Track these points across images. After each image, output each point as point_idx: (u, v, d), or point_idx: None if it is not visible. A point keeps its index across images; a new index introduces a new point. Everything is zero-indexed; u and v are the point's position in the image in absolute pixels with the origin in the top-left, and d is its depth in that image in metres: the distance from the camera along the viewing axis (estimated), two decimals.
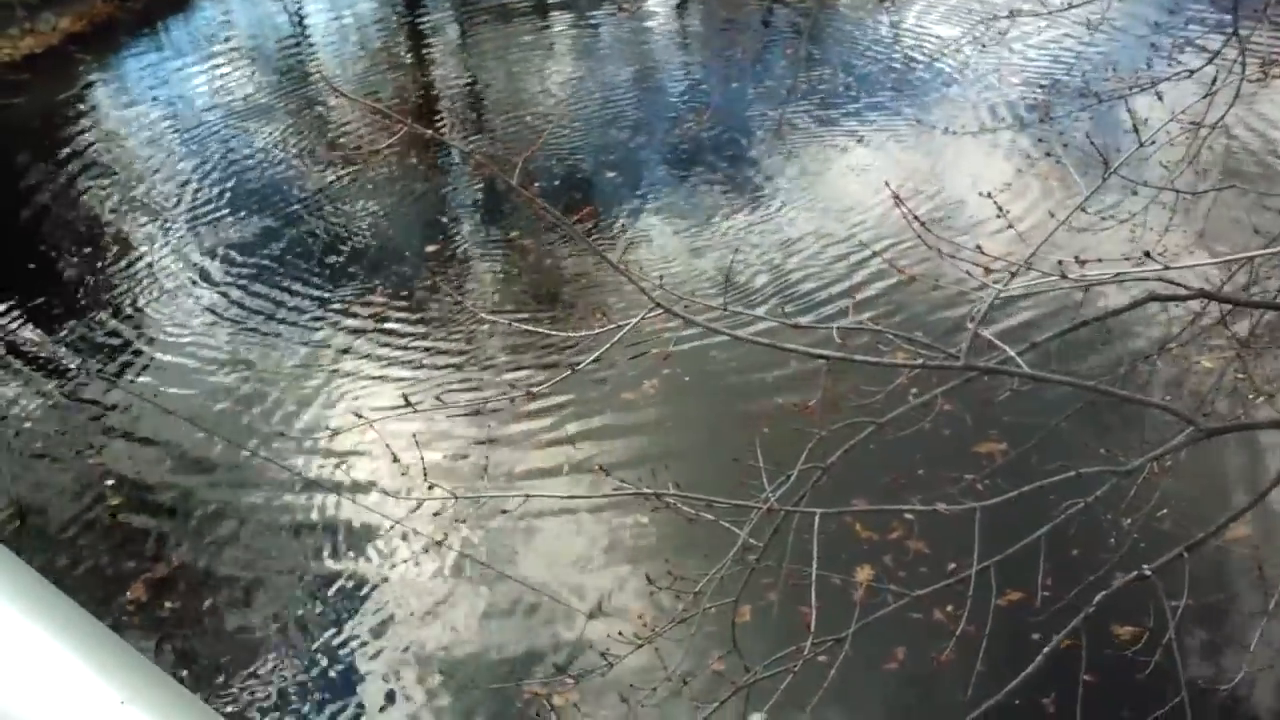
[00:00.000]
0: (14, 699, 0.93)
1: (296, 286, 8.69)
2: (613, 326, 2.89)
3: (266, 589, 6.00)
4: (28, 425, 7.50)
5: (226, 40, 14.70)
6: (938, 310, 7.15)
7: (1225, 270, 4.63)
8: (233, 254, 9.28)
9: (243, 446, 6.94)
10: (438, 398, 6.89)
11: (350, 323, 8.14)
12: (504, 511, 5.92)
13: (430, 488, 3.71)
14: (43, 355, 8.26)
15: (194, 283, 8.90)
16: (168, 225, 9.89)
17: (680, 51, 13.28)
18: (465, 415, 6.68)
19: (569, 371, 3.12)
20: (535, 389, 3.21)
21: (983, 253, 2.89)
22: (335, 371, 7.59)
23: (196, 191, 10.42)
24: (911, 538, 5.54)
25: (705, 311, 4.46)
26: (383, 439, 3.64)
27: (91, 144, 11.81)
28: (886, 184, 4.50)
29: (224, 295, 8.67)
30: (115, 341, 8.28)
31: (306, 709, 5.33)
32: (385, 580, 5.92)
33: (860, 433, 3.06)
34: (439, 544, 6.03)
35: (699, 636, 3.40)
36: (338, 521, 6.33)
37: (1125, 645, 4.23)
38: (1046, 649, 2.82)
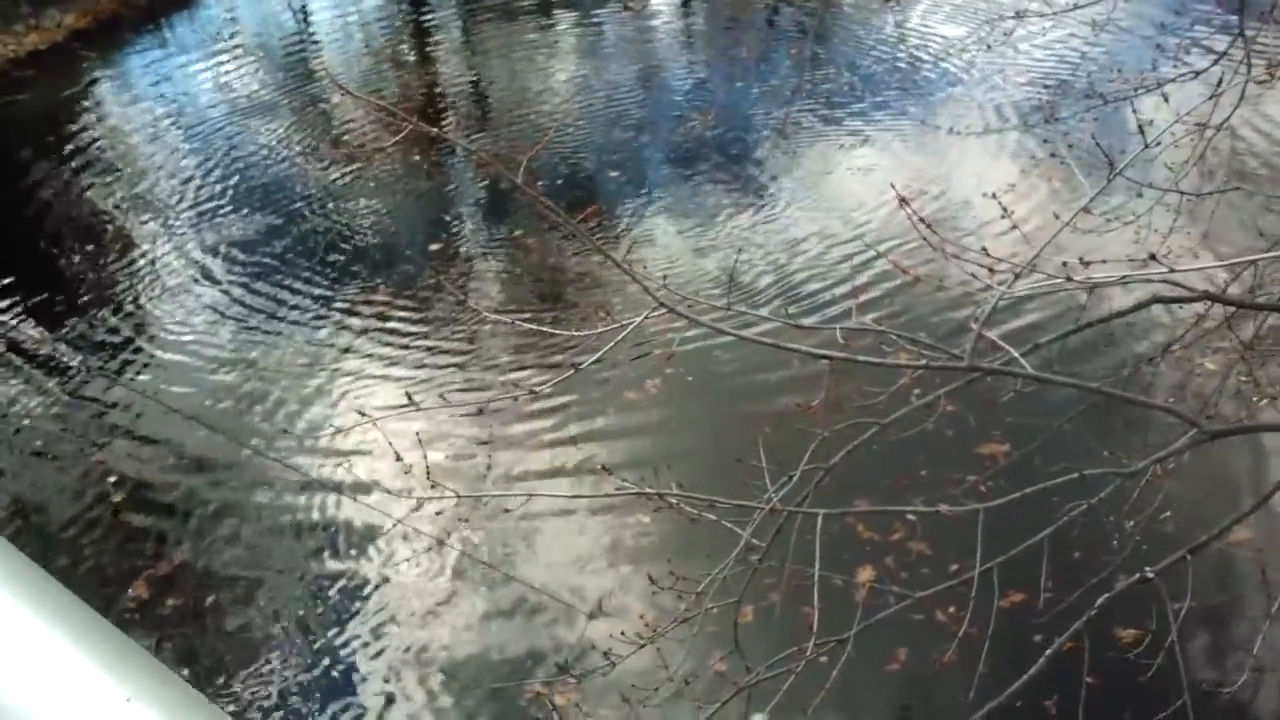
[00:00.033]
0: (19, 695, 0.93)
1: (299, 285, 8.69)
2: (616, 326, 2.89)
3: (268, 588, 6.00)
4: (27, 423, 7.50)
5: (231, 37, 14.71)
6: (942, 312, 7.14)
7: (1230, 272, 4.62)
8: (235, 252, 9.28)
9: (245, 445, 6.95)
10: (441, 396, 6.90)
11: (353, 321, 8.14)
12: (506, 511, 5.92)
13: (432, 486, 3.71)
14: (44, 353, 8.27)
15: (196, 280, 8.91)
16: (171, 222, 9.90)
17: (685, 50, 13.27)
18: (468, 415, 6.68)
19: (572, 370, 3.12)
20: (539, 388, 3.21)
21: (987, 254, 2.89)
22: (338, 370, 7.59)
23: (200, 189, 10.43)
24: (914, 539, 5.53)
25: (709, 311, 4.46)
26: (385, 438, 3.64)
27: (95, 141, 11.82)
28: (892, 186, 4.50)
29: (226, 293, 8.68)
30: (117, 339, 8.28)
31: (308, 708, 5.34)
32: (387, 580, 5.92)
33: (863, 433, 3.06)
34: (441, 543, 6.03)
35: (701, 637, 3.39)
36: (340, 520, 6.34)
37: (1128, 648, 4.23)
38: (1049, 651, 2.82)
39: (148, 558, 6.26)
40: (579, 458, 6.51)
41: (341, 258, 9.02)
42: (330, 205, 9.86)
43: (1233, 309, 4.45)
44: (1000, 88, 10.43)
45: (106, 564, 6.29)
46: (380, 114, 10.83)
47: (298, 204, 9.94)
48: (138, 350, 8.12)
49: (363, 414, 6.41)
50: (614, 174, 9.90)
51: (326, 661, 5.53)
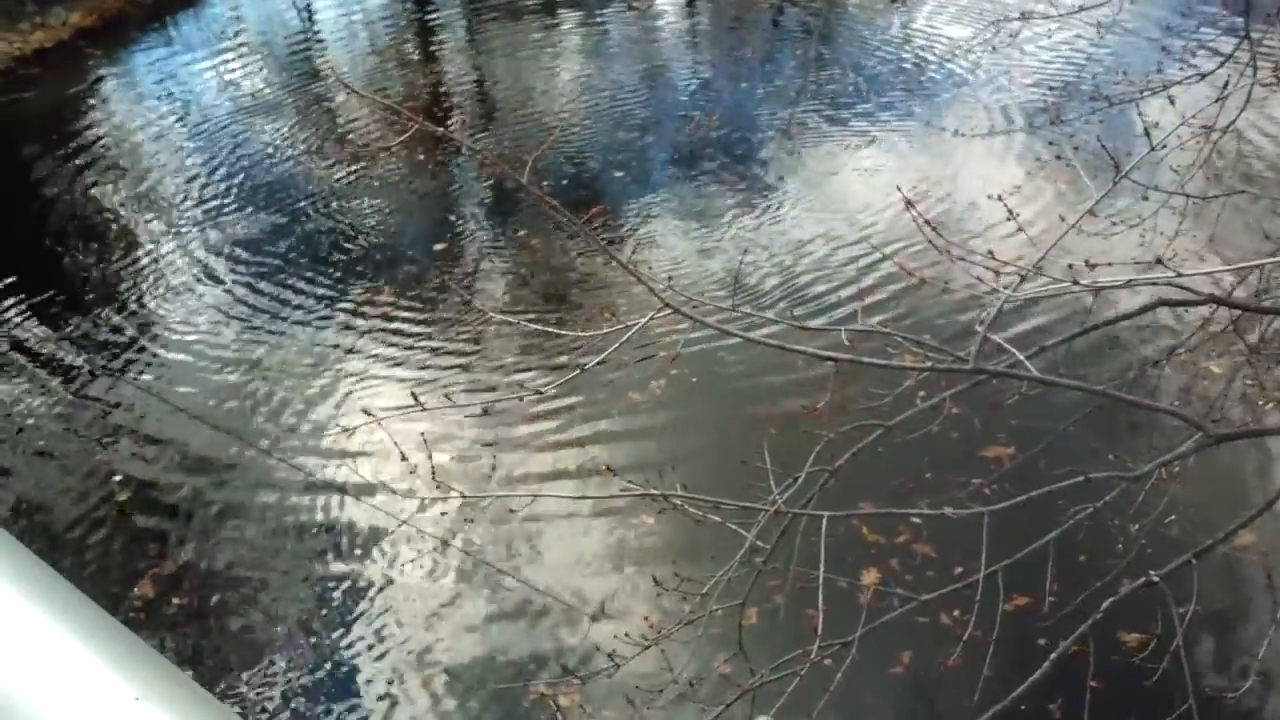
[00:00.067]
0: (30, 693, 0.93)
1: (303, 284, 8.69)
2: (621, 327, 2.89)
3: (273, 588, 6.01)
4: (31, 422, 7.51)
5: (236, 36, 14.73)
6: (948, 314, 7.13)
7: (1236, 276, 4.61)
8: (240, 251, 9.29)
9: (251, 445, 6.96)
10: (446, 396, 6.90)
11: (357, 321, 8.14)
12: (511, 511, 5.92)
13: (438, 487, 3.71)
14: (49, 352, 8.28)
15: (200, 280, 8.91)
16: (175, 221, 9.91)
17: (689, 51, 13.27)
18: (473, 416, 6.67)
19: (578, 371, 3.12)
20: (544, 388, 3.21)
21: (993, 257, 2.89)
22: (342, 371, 7.59)
23: (204, 187, 10.44)
24: (919, 541, 5.53)
25: (714, 313, 4.45)
26: (391, 438, 3.64)
27: (100, 139, 11.83)
28: (899, 189, 4.50)
29: (230, 293, 8.68)
30: (121, 338, 8.29)
31: (312, 709, 5.34)
32: (391, 581, 5.92)
33: (868, 435, 3.06)
34: (445, 544, 6.03)
35: (705, 639, 3.39)
36: (345, 521, 6.34)
37: (1133, 652, 4.23)
38: (1054, 654, 2.81)
39: (153, 557, 6.27)
40: (584, 459, 6.51)
41: (346, 257, 9.03)
42: (334, 204, 9.87)
43: (1238, 312, 4.44)
44: (1006, 89, 10.42)
45: (111, 564, 6.29)
46: (385, 113, 10.85)
47: (302, 203, 9.94)
48: (142, 349, 8.12)
49: (368, 413, 6.40)
50: (619, 174, 9.90)
51: (330, 662, 5.53)
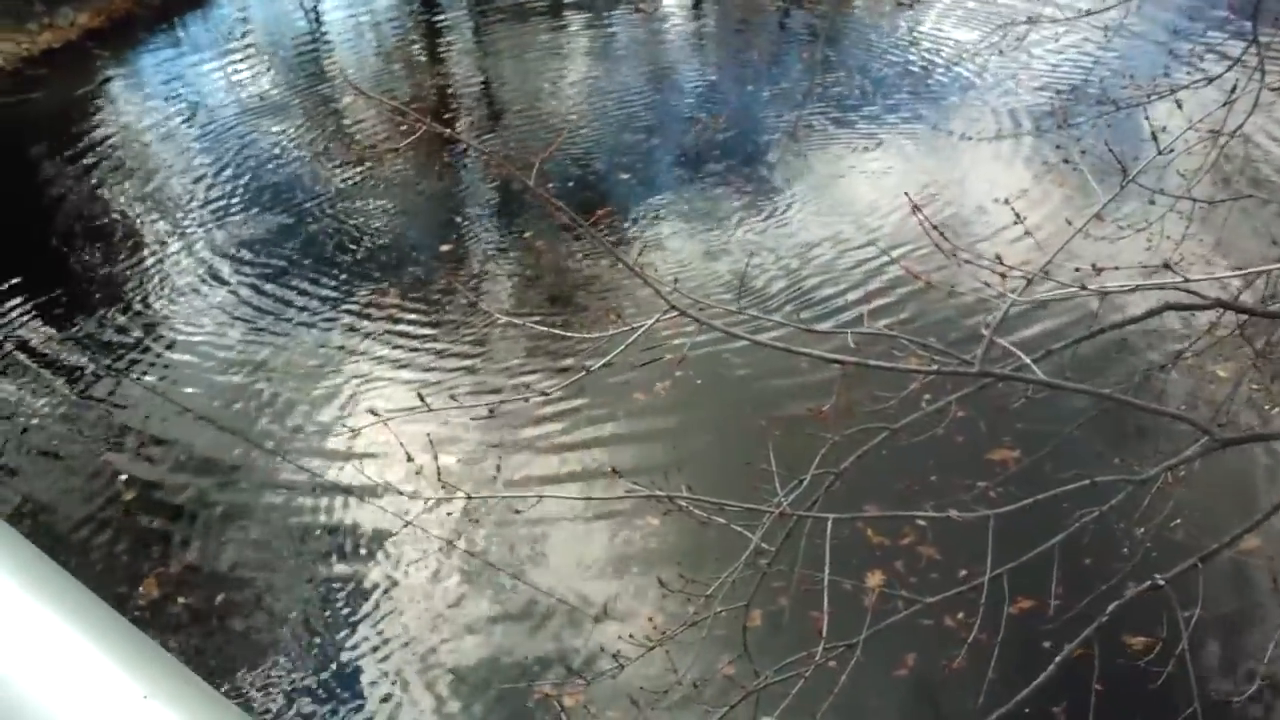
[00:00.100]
0: (39, 691, 0.94)
1: (309, 285, 8.71)
2: (627, 329, 2.89)
3: (278, 588, 6.02)
4: (36, 423, 7.52)
5: (243, 37, 14.77)
6: (955, 318, 7.13)
7: (1244, 280, 4.61)
8: (246, 252, 9.31)
9: (256, 445, 6.97)
10: (451, 396, 6.90)
11: (363, 323, 8.16)
12: (516, 513, 5.92)
13: (443, 487, 3.72)
14: (54, 352, 8.30)
15: (206, 280, 8.93)
16: (181, 222, 9.93)
17: (696, 53, 13.28)
18: (478, 418, 6.68)
19: (584, 372, 3.13)
20: (550, 389, 3.22)
21: (1000, 261, 2.89)
22: (348, 372, 7.60)
23: (211, 188, 10.47)
24: (924, 544, 5.53)
25: (720, 315, 4.46)
26: (397, 438, 3.65)
27: (107, 139, 11.87)
28: (906, 194, 4.49)
29: (235, 294, 8.70)
30: (127, 338, 8.31)
31: (317, 710, 5.34)
32: (396, 582, 5.93)
33: (874, 438, 3.05)
34: (450, 544, 6.04)
35: (709, 641, 3.39)
36: (350, 522, 6.35)
37: (1138, 655, 4.21)
38: (1059, 658, 2.81)
39: (157, 558, 6.28)
40: (589, 461, 6.52)
41: (351, 258, 9.04)
42: (341, 205, 9.89)
43: (1245, 317, 4.44)
44: (1013, 93, 10.41)
45: (116, 564, 6.30)
46: (392, 114, 10.87)
47: (308, 204, 9.97)
48: (147, 350, 8.14)
49: (374, 413, 6.41)
50: (625, 176, 9.91)
51: (335, 663, 5.54)
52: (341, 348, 7.87)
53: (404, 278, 8.70)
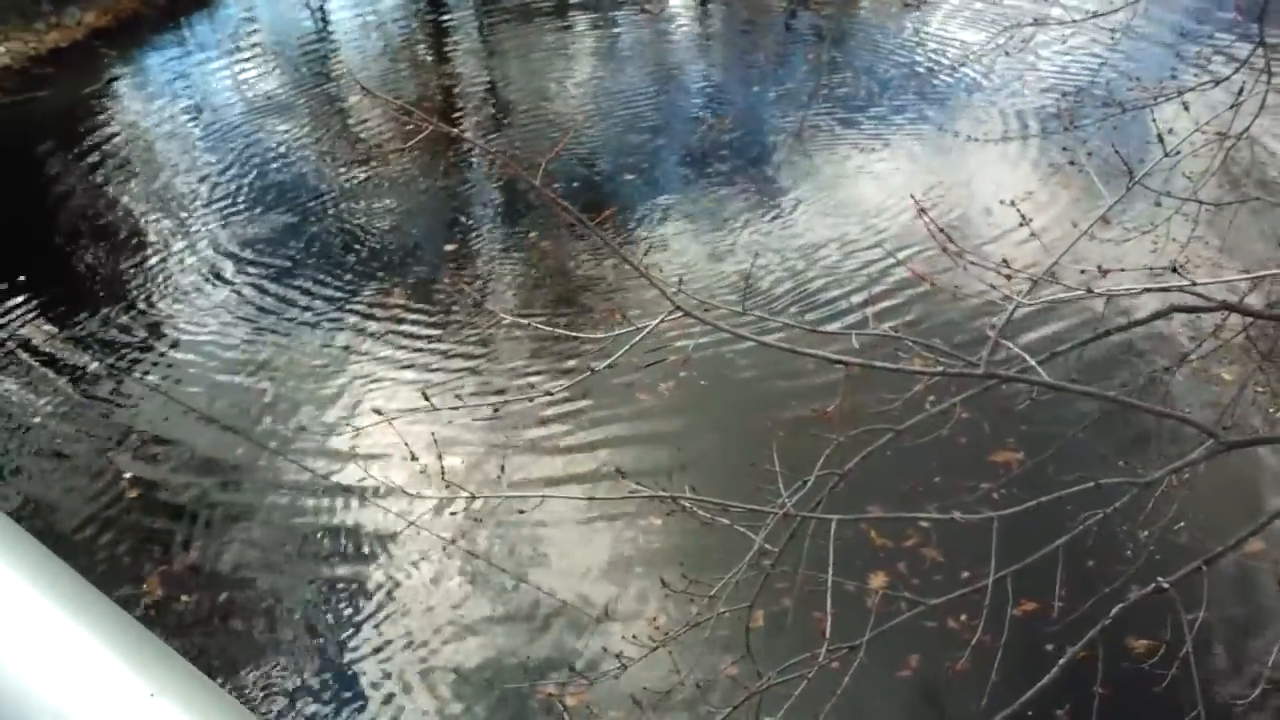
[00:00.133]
0: (46, 689, 0.94)
1: (313, 285, 8.71)
2: (632, 329, 2.90)
3: (280, 589, 6.02)
4: (39, 421, 7.53)
5: (249, 37, 14.79)
6: (960, 320, 7.12)
7: (1250, 283, 4.60)
8: (251, 251, 9.31)
9: (260, 445, 6.98)
10: (457, 396, 6.91)
11: (367, 323, 8.16)
12: (520, 512, 5.93)
13: (447, 487, 3.72)
14: (58, 350, 8.31)
15: (210, 280, 8.94)
16: (186, 221, 9.94)
17: (701, 54, 13.28)
18: (482, 419, 6.68)
19: (589, 372, 3.13)
20: (555, 389, 3.22)
21: (1006, 264, 2.89)
22: (352, 372, 7.61)
23: (216, 187, 10.48)
24: (927, 545, 5.52)
25: (725, 316, 4.46)
26: (401, 438, 3.66)
27: (113, 138, 11.89)
28: (912, 197, 4.49)
29: (240, 293, 8.70)
30: (131, 338, 8.31)
31: (319, 710, 5.35)
32: (399, 583, 5.93)
33: (878, 439, 3.06)
34: (453, 543, 6.04)
35: (713, 642, 3.40)
36: (353, 522, 6.35)
37: (1141, 658, 4.21)
38: (1062, 660, 2.81)
39: (160, 558, 6.29)
40: (592, 462, 6.51)
41: (356, 258, 9.05)
42: (346, 205, 9.89)
43: (1251, 319, 4.43)
44: (1019, 94, 10.40)
45: (119, 563, 6.31)
46: (397, 114, 10.87)
47: (313, 203, 9.97)
48: (150, 349, 8.14)
49: (379, 412, 6.42)
50: (630, 177, 9.91)
51: (337, 663, 5.54)
52: (345, 348, 7.88)
53: (408, 277, 8.70)
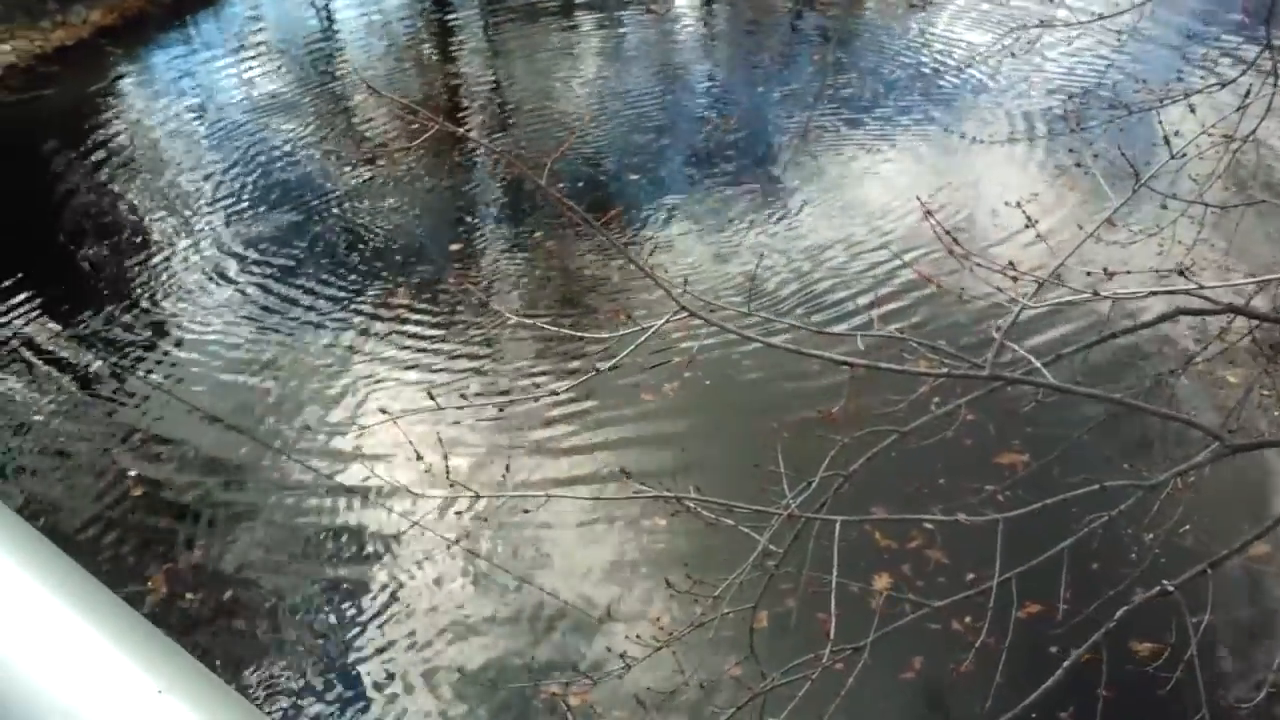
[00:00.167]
0: (54, 686, 0.94)
1: (318, 285, 8.71)
2: (637, 329, 2.89)
3: (284, 588, 6.02)
4: (42, 420, 7.54)
5: (255, 35, 14.80)
6: (965, 322, 7.11)
7: (1256, 285, 4.59)
8: (255, 250, 9.31)
9: (265, 444, 6.98)
10: (461, 395, 6.91)
11: (371, 323, 8.16)
12: (525, 512, 5.93)
13: (451, 486, 3.72)
14: (61, 349, 8.31)
15: (214, 279, 8.94)
16: (191, 220, 9.94)
17: (707, 54, 13.27)
18: (487, 419, 6.68)
19: (594, 372, 3.13)
20: (560, 389, 3.22)
21: (1012, 266, 2.89)
22: (356, 372, 7.61)
23: (220, 186, 10.48)
24: (932, 547, 5.52)
25: (730, 316, 4.46)
26: (406, 438, 3.66)
27: (119, 136, 11.90)
28: (918, 198, 4.49)
29: (244, 292, 8.71)
30: (135, 337, 8.31)
31: (322, 709, 5.35)
32: (403, 583, 5.93)
33: (883, 441, 3.05)
34: (456, 543, 6.04)
35: (717, 642, 3.39)
36: (358, 521, 6.35)
37: (1146, 661, 4.20)
38: (1066, 663, 2.81)
39: (164, 557, 6.29)
40: (597, 463, 6.51)
41: (361, 257, 9.05)
42: (350, 204, 9.89)
43: (1257, 322, 4.42)
44: (1025, 96, 10.39)
45: (123, 562, 6.31)
46: (403, 113, 10.88)
47: (318, 202, 9.97)
48: (154, 348, 8.14)
49: (384, 411, 6.43)
50: (635, 177, 9.90)
51: (340, 663, 5.55)
52: (350, 347, 7.88)
53: (413, 277, 8.70)
